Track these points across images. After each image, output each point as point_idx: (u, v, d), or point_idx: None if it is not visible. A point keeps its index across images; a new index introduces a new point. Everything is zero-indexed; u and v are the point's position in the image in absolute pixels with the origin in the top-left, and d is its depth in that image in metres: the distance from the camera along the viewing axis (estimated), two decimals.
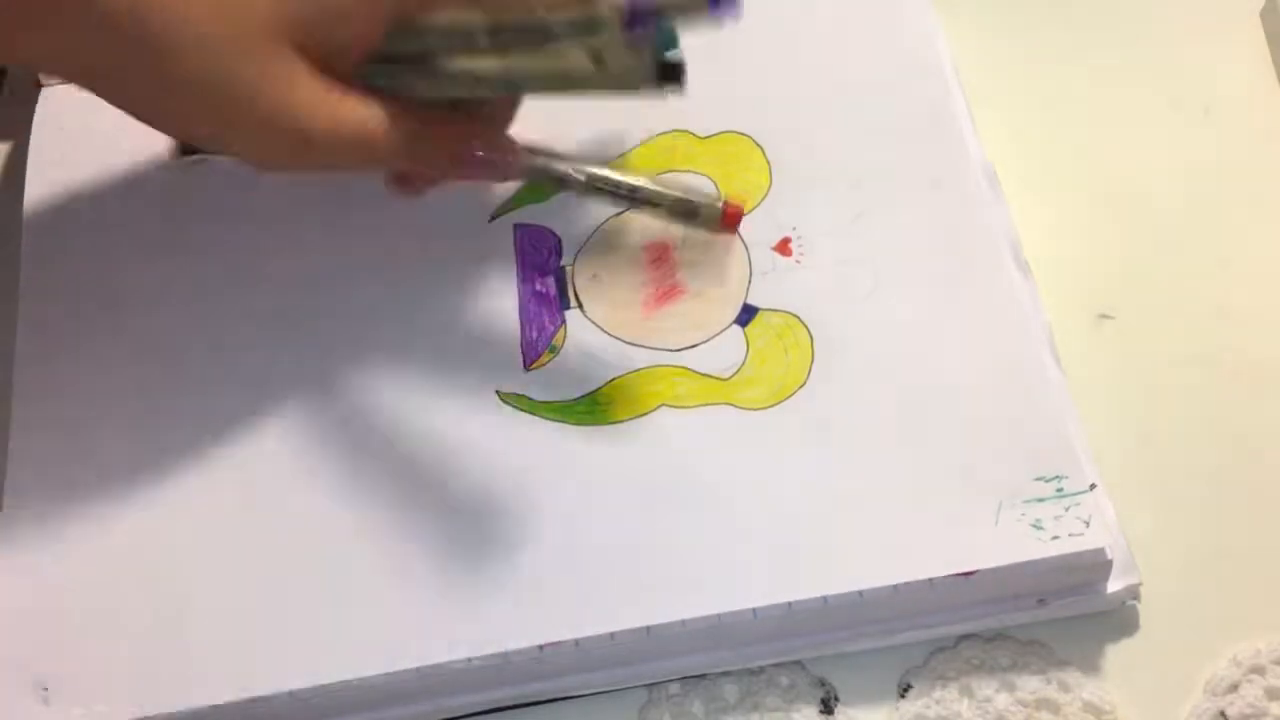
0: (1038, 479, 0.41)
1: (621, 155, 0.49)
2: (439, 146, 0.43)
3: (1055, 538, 0.40)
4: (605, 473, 0.43)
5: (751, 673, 0.42)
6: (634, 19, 0.39)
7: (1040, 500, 0.41)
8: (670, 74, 0.40)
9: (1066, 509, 0.41)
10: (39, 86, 0.52)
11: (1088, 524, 0.40)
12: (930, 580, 0.40)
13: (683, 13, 0.39)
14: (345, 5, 0.39)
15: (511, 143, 0.44)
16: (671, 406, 0.44)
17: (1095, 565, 0.41)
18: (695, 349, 0.45)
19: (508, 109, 0.44)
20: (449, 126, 0.43)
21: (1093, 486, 0.41)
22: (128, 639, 0.41)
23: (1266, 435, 0.45)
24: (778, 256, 0.47)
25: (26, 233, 0.49)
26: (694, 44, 0.49)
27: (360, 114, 0.40)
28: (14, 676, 0.41)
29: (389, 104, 0.41)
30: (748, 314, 0.46)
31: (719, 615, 0.40)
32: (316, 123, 0.40)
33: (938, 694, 0.41)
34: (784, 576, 0.40)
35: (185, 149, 0.49)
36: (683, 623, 0.40)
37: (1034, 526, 0.40)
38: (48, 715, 0.40)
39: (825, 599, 0.40)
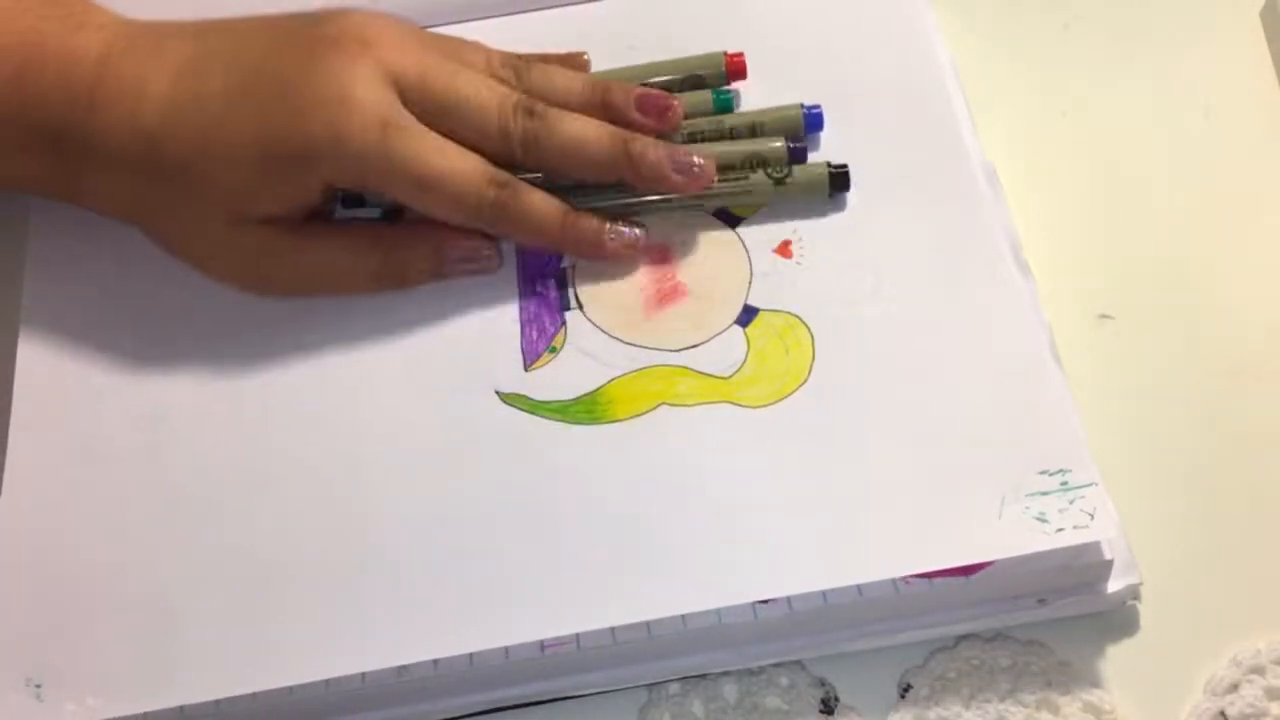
0: (1041, 473, 0.41)
1: None
2: (417, 260, 0.46)
3: (1060, 530, 0.40)
4: (605, 472, 0.43)
5: (751, 673, 0.42)
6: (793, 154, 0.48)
7: (1044, 494, 0.41)
8: (840, 182, 0.47)
9: (1071, 502, 0.40)
10: None
11: (1092, 516, 0.40)
12: (931, 579, 0.40)
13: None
14: (254, 184, 0.45)
15: (491, 237, 0.46)
16: (671, 405, 0.44)
17: (1095, 564, 0.41)
18: (696, 349, 0.45)
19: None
20: (424, 238, 0.46)
21: (1095, 482, 0.41)
22: (122, 634, 0.41)
23: (1266, 435, 0.45)
24: (779, 258, 0.47)
25: (31, 232, 0.49)
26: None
27: (320, 257, 0.46)
28: (7, 672, 0.41)
29: (358, 237, 0.47)
30: (748, 315, 0.46)
31: (719, 614, 0.40)
32: (275, 272, 0.46)
33: (938, 694, 0.41)
34: (784, 575, 0.40)
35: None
36: (683, 622, 0.40)
37: (1038, 519, 0.40)
38: (41, 711, 0.40)
39: (825, 598, 0.40)
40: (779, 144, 0.48)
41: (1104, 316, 0.48)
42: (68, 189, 0.47)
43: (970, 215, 0.47)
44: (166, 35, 0.46)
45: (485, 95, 0.46)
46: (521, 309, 0.46)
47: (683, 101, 0.48)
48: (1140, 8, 0.54)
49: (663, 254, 0.47)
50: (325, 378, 0.46)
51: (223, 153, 0.44)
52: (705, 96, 0.49)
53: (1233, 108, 0.52)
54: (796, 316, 0.45)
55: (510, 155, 0.46)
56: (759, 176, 0.47)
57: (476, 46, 0.48)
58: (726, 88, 0.50)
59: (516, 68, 0.47)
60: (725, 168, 0.47)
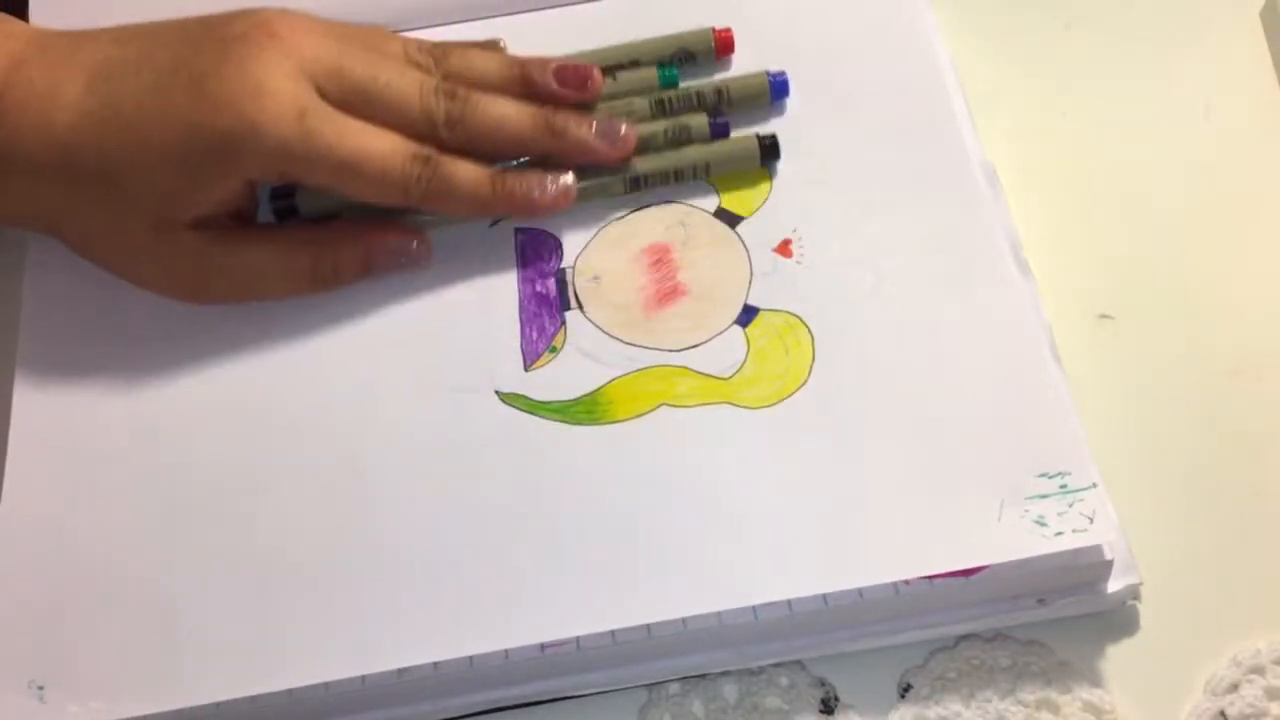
0: (1040, 476, 0.41)
1: None
2: (346, 258, 0.46)
3: (1059, 534, 0.40)
4: (605, 472, 0.43)
5: (751, 673, 0.42)
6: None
7: (1043, 497, 0.41)
8: (770, 151, 0.48)
9: (1070, 505, 0.40)
10: None
11: (1091, 520, 0.40)
12: (931, 580, 0.40)
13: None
14: (175, 186, 0.44)
15: (419, 231, 0.47)
16: (672, 405, 0.44)
17: (1095, 565, 0.41)
18: (696, 349, 0.45)
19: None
20: (352, 235, 0.46)
21: (1095, 484, 0.41)
22: (124, 637, 0.41)
23: (1266, 435, 0.45)
24: (779, 258, 0.47)
25: (31, 233, 0.49)
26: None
27: (249, 260, 0.46)
28: (10, 675, 0.41)
29: (287, 238, 0.47)
30: (748, 315, 0.46)
31: (719, 615, 0.40)
32: (205, 278, 0.46)
33: (938, 694, 0.41)
34: (784, 576, 0.40)
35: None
36: (683, 623, 0.40)
37: (1037, 523, 0.40)
38: (44, 713, 0.40)
39: (825, 599, 0.40)
40: (701, 118, 0.49)
41: (1104, 316, 0.48)
42: None
43: (970, 215, 0.47)
44: (81, 41, 0.46)
45: (404, 81, 0.46)
46: (521, 309, 0.46)
47: (602, 74, 0.48)
48: (1140, 8, 0.54)
49: (663, 254, 0.47)
50: (325, 378, 0.46)
51: (139, 156, 0.44)
52: (650, 74, 0.50)
53: (1233, 108, 0.52)
54: (796, 316, 0.45)
55: (435, 139, 0.46)
56: (691, 150, 0.49)
57: (392, 35, 0.48)
58: (672, 65, 0.50)
59: (434, 54, 0.48)
60: (649, 145, 0.48)
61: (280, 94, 0.43)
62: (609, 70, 0.49)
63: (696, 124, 0.49)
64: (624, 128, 0.47)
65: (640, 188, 0.48)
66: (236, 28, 0.45)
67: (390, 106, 0.45)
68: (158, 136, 0.43)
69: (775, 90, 0.50)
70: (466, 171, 0.46)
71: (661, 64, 0.50)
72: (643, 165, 0.48)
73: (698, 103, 0.49)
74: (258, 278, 0.46)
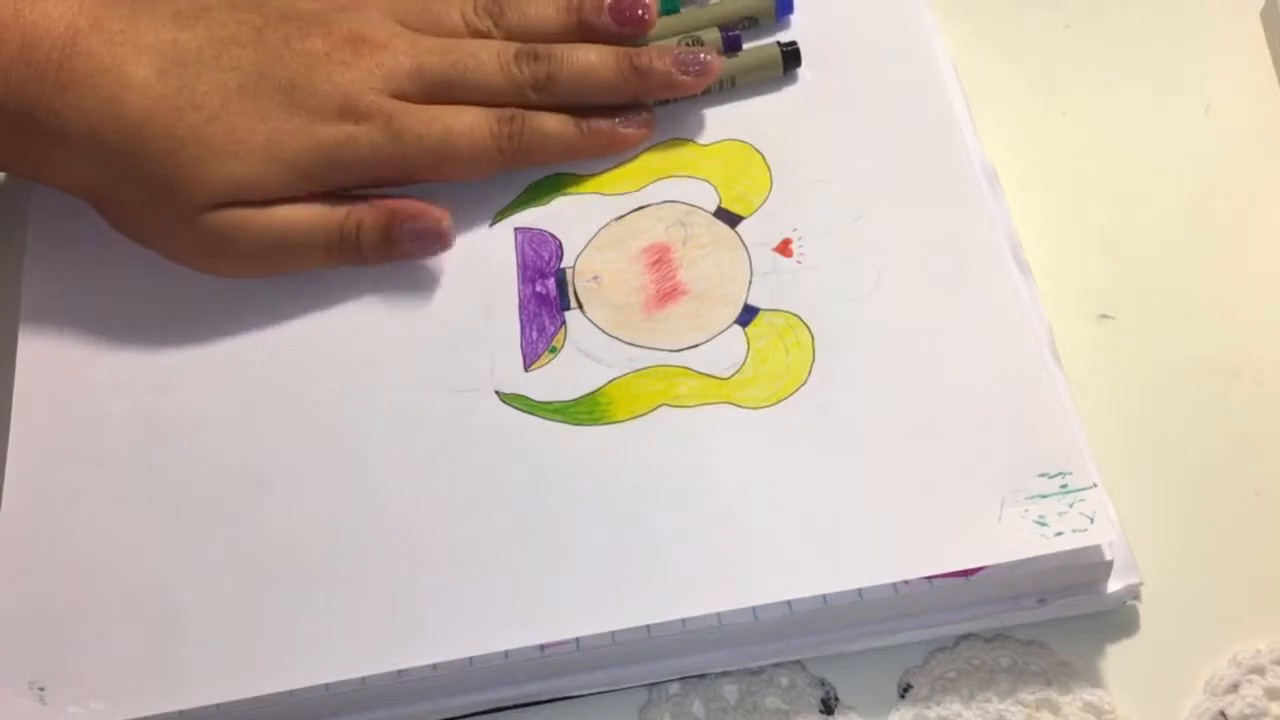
0: (1041, 475, 0.41)
1: (621, 164, 0.49)
2: (369, 231, 0.47)
3: (1059, 534, 0.40)
4: (605, 472, 0.43)
5: (751, 673, 0.42)
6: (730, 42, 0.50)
7: (1044, 497, 0.41)
8: (792, 58, 0.50)
9: (1070, 505, 0.40)
10: None
11: (1092, 520, 0.40)
12: (930, 580, 0.40)
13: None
14: (248, 180, 0.45)
15: (442, 211, 0.47)
16: (672, 406, 0.44)
17: (1095, 565, 0.41)
18: (696, 349, 0.45)
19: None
20: (375, 205, 0.47)
21: (1095, 484, 0.41)
22: (125, 638, 0.41)
23: (1266, 435, 0.45)
24: (779, 257, 0.47)
25: (30, 231, 0.49)
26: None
27: (274, 233, 0.46)
28: (10, 676, 0.41)
29: (311, 210, 0.46)
30: (748, 314, 0.46)
31: (719, 615, 0.40)
32: (231, 251, 0.46)
33: (938, 694, 0.41)
34: (784, 576, 0.40)
35: None
36: (683, 623, 0.40)
37: (1038, 523, 0.40)
38: (45, 714, 0.40)
39: (825, 599, 0.40)
40: (714, 33, 0.50)
41: (1104, 316, 0.48)
42: (27, 165, 0.47)
43: (970, 215, 0.47)
44: (138, 14, 0.46)
45: (482, 58, 0.47)
46: (521, 309, 0.46)
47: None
48: (1140, 8, 0.54)
49: (662, 254, 0.47)
50: (326, 378, 0.46)
51: (221, 148, 0.44)
52: None
53: (1233, 108, 0.51)
54: (796, 316, 0.45)
55: (525, 103, 0.47)
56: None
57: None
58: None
59: (491, 12, 0.49)
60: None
61: (369, 107, 0.45)
62: None
63: (710, 38, 0.50)
64: (704, 56, 0.48)
65: (668, 101, 0.50)
66: (319, 37, 0.46)
67: (476, 87, 0.47)
68: (245, 135, 0.45)
69: (780, 7, 0.51)
70: (552, 122, 0.48)
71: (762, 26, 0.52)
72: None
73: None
74: (279, 250, 0.46)
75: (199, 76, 0.45)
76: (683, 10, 0.51)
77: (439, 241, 0.47)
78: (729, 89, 0.50)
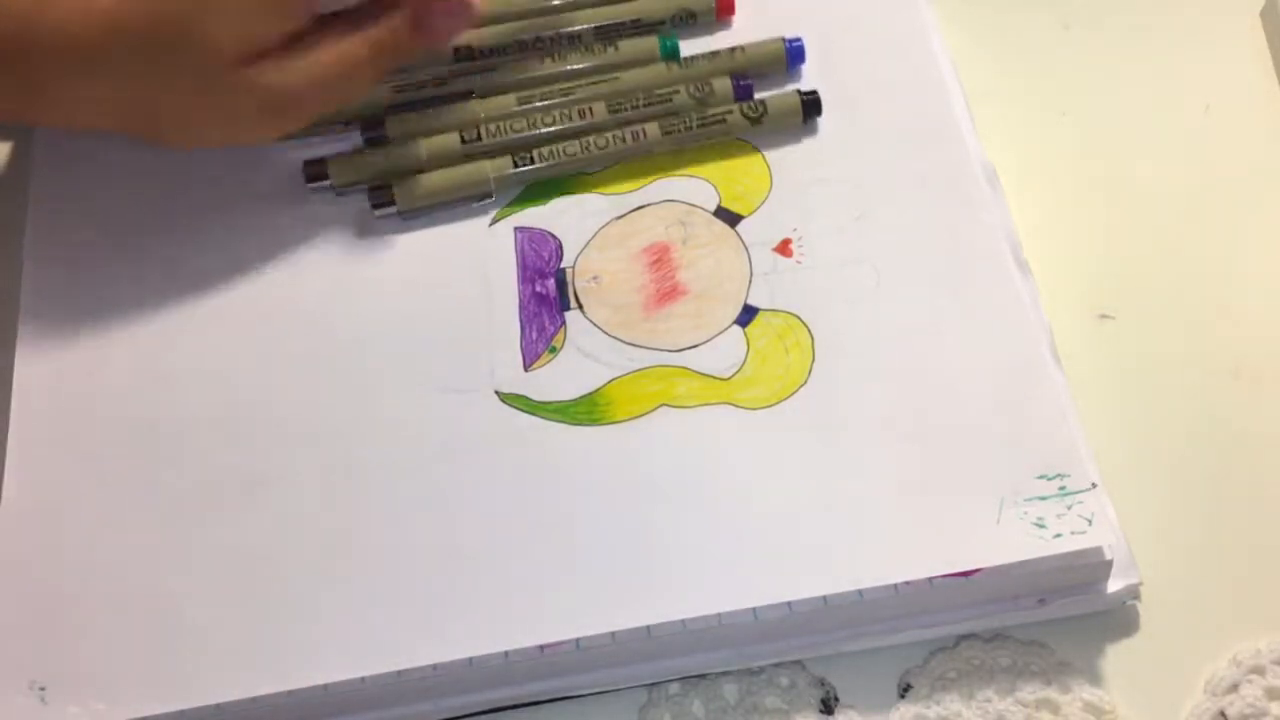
0: (1040, 477, 0.41)
1: (621, 164, 0.49)
2: (398, 21, 0.46)
3: (1058, 536, 0.40)
4: (605, 473, 0.43)
5: (751, 673, 0.42)
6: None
7: (1042, 499, 0.41)
8: (812, 108, 0.49)
9: (1069, 507, 0.41)
10: None
11: (1090, 522, 0.40)
12: (930, 580, 0.40)
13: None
14: (238, 28, 0.43)
15: None
16: (671, 406, 0.44)
17: (1095, 565, 0.41)
18: (695, 349, 0.45)
19: None
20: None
21: (1094, 485, 0.41)
22: (126, 638, 0.41)
23: (1266, 435, 0.45)
24: (779, 257, 0.47)
25: (29, 230, 0.49)
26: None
27: (313, 65, 0.44)
28: (11, 675, 0.41)
29: (338, 27, 0.45)
30: (748, 314, 0.46)
31: (719, 615, 0.40)
32: (280, 103, 0.44)
33: (938, 694, 0.41)
34: (784, 576, 0.40)
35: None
36: (683, 623, 0.40)
37: (1036, 525, 0.40)
38: (45, 714, 0.40)
39: (825, 599, 0.40)
40: (725, 80, 0.50)
41: (1104, 316, 0.48)
42: (28, 107, 0.44)
43: (970, 215, 0.47)
44: None
45: None
46: (521, 309, 0.46)
47: None
48: (1140, 8, 0.54)
49: (662, 253, 0.47)
50: (325, 378, 0.46)
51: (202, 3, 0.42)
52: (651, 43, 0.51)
53: (1233, 108, 0.52)
54: (796, 316, 0.45)
55: None
56: (735, 117, 0.49)
57: None
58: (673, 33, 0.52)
59: None
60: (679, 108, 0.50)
61: None
62: (610, 36, 0.51)
63: (720, 85, 0.50)
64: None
65: (685, 145, 0.49)
66: None
67: None
68: None
69: (791, 57, 0.50)
70: None
71: (661, 28, 0.51)
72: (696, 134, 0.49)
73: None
74: (326, 78, 0.45)
75: None
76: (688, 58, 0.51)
77: (467, 12, 0.46)
78: (747, 130, 0.49)
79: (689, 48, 0.51)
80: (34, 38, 0.41)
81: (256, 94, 0.44)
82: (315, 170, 0.49)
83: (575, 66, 0.51)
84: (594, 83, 0.50)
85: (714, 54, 0.51)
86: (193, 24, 0.42)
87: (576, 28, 0.51)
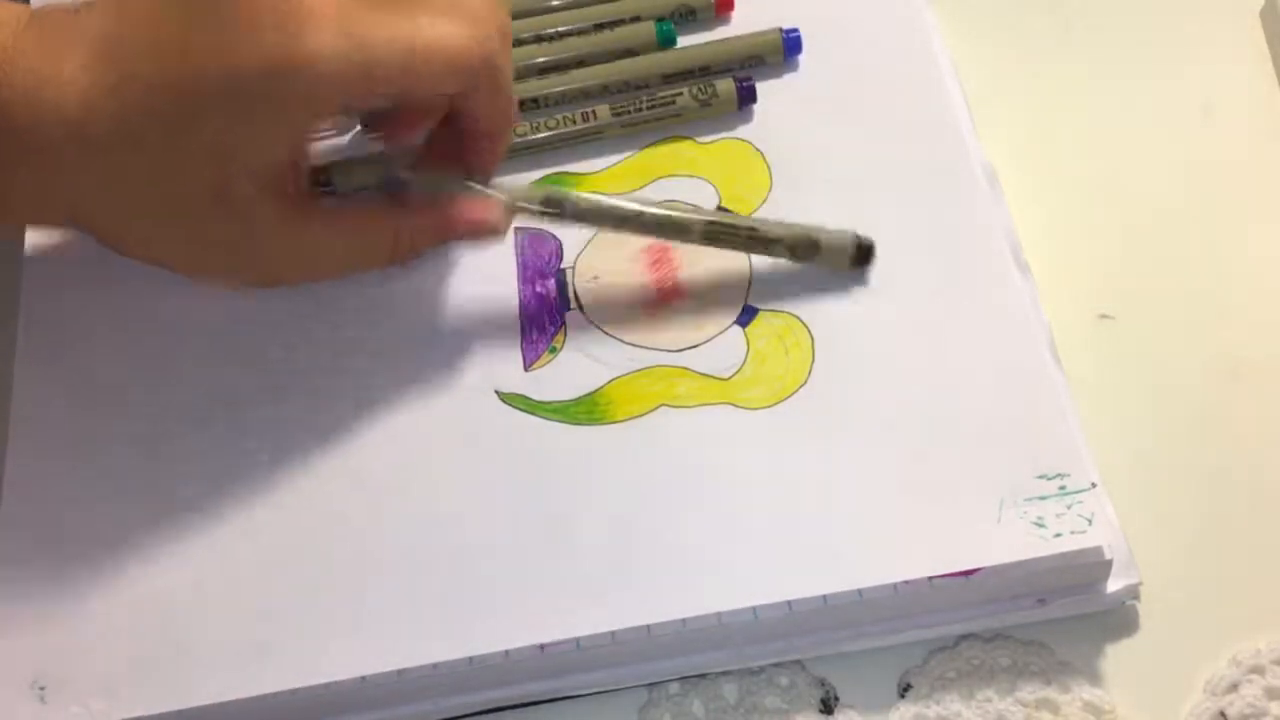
0: (1039, 477, 0.41)
1: (621, 162, 0.49)
2: (423, 233, 0.45)
3: (1058, 535, 0.40)
4: (605, 473, 0.43)
5: (751, 673, 0.42)
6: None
7: (1042, 498, 0.41)
8: (865, 255, 0.46)
9: (1069, 507, 0.41)
10: None
11: (1090, 522, 0.40)
12: (930, 580, 0.40)
13: None
14: (210, 140, 0.40)
15: (494, 201, 0.45)
16: (671, 406, 0.44)
17: (1095, 565, 0.41)
18: (695, 349, 0.45)
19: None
20: (431, 210, 0.45)
21: (1094, 485, 0.41)
22: (126, 637, 0.41)
23: (1266, 435, 0.45)
24: (779, 258, 0.47)
25: (29, 230, 0.49)
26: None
27: (327, 236, 0.44)
28: (12, 675, 0.41)
29: (363, 213, 0.45)
30: (748, 315, 0.46)
31: (719, 615, 0.40)
32: (280, 255, 0.44)
33: (938, 694, 0.41)
34: (784, 576, 0.40)
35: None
36: (683, 622, 0.40)
37: (1036, 524, 0.40)
38: (45, 713, 0.40)
39: (825, 599, 0.40)
40: (728, 84, 0.50)
41: (1104, 316, 0.48)
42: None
43: (970, 215, 0.47)
44: (77, 15, 0.41)
45: None
46: (521, 309, 0.47)
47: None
48: (1140, 8, 0.54)
49: (662, 254, 0.47)
50: (325, 379, 0.46)
51: (168, 112, 0.39)
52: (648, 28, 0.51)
53: (1233, 108, 0.51)
54: (796, 317, 0.45)
55: None
56: (685, 99, 0.49)
57: None
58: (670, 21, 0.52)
59: None
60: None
61: (318, 11, 0.39)
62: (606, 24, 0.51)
63: (724, 89, 0.50)
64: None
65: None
66: None
67: None
68: (187, 85, 0.39)
69: (788, 48, 0.50)
70: None
71: (660, 20, 0.51)
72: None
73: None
74: (335, 257, 0.45)
75: (131, 49, 0.40)
76: (683, 45, 0.51)
77: (497, 235, 0.45)
78: (787, 257, 0.46)
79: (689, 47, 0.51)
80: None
81: (233, 239, 0.43)
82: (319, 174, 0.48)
83: (572, 54, 0.51)
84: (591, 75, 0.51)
85: (708, 44, 0.51)
86: (162, 132, 0.40)
87: (575, 26, 0.51)
